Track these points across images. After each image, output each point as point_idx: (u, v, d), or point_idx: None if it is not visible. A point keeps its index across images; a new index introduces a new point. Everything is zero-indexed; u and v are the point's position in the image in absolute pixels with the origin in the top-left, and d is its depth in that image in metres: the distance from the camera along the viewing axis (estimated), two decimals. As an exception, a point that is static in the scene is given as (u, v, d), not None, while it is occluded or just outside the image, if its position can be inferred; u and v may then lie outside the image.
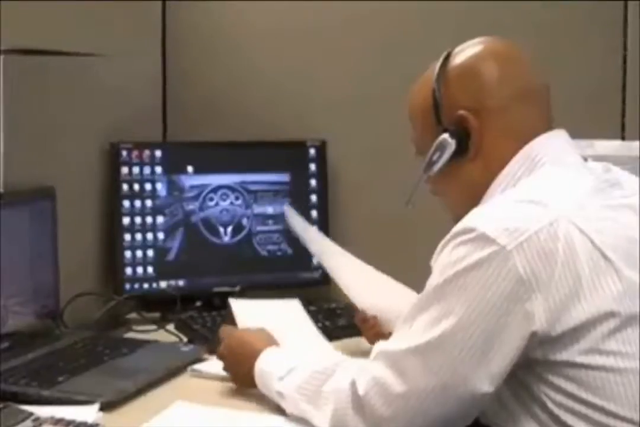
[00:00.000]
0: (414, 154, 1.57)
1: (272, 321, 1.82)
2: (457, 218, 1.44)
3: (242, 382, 1.69)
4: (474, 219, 1.38)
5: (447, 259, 1.36)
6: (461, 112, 1.47)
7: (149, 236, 2.28)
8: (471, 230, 1.35)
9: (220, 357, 1.74)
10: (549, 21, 2.18)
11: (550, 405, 1.34)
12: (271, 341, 1.71)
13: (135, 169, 2.27)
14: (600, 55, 2.16)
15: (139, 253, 2.27)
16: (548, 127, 1.49)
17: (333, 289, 2.26)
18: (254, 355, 1.65)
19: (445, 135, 1.48)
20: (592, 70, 2.16)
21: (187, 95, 2.45)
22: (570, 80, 2.08)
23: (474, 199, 1.47)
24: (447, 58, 1.51)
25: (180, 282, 2.31)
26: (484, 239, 1.33)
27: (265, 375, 1.61)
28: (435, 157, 1.50)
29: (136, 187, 2.27)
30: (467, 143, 1.48)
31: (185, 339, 2.05)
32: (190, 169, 2.31)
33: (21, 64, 1.94)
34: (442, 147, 1.49)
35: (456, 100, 1.48)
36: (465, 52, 1.51)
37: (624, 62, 2.14)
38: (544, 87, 1.51)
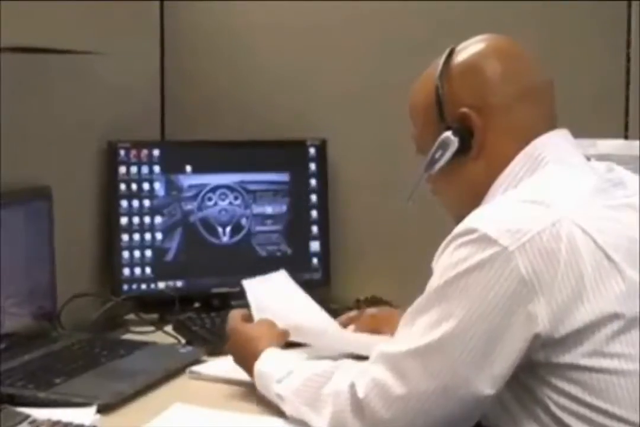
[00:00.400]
0: (415, 153, 1.56)
1: (280, 296, 1.86)
2: (458, 218, 1.44)
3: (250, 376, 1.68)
4: (476, 219, 1.37)
5: (448, 260, 1.35)
6: (464, 109, 1.46)
7: (147, 236, 2.27)
8: (473, 231, 1.33)
9: (229, 352, 1.74)
10: (551, 20, 2.17)
11: (553, 408, 1.33)
12: (275, 338, 1.70)
13: (133, 169, 2.26)
14: (603, 54, 2.15)
15: (137, 253, 2.26)
16: (551, 126, 1.48)
17: (334, 290, 2.29)
18: (255, 355, 1.64)
19: (448, 133, 1.47)
20: (595, 69, 2.15)
21: (186, 94, 2.44)
22: (573, 79, 2.07)
23: (476, 198, 1.46)
24: (450, 55, 1.50)
25: (179, 283, 2.30)
26: (485, 240, 1.32)
27: (264, 376, 1.61)
28: (437, 155, 1.48)
29: (134, 186, 2.26)
30: (470, 141, 1.47)
31: (183, 341, 2.03)
32: (188, 168, 2.30)
33: (17, 62, 1.92)
34: (444, 145, 1.47)
35: (459, 98, 1.47)
36: (469, 49, 1.50)
37: (627, 60, 2.13)
38: (547, 85, 1.50)
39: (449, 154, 1.47)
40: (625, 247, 1.35)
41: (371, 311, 1.97)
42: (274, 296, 1.90)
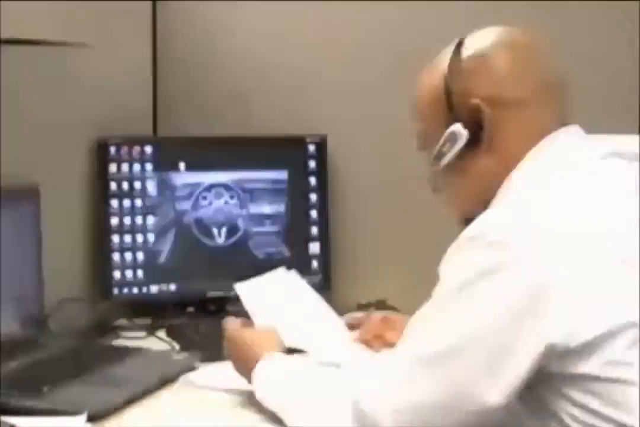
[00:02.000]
0: (417, 150, 1.53)
1: (280, 299, 1.87)
2: (463, 217, 1.43)
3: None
4: (485, 223, 1.33)
5: (456, 265, 1.32)
6: (475, 100, 1.41)
7: (139, 237, 2.25)
8: (482, 234, 1.30)
9: (227, 357, 1.72)
10: (563, 13, 2.15)
11: (568, 420, 1.29)
12: (274, 344, 1.68)
13: (124, 167, 2.24)
14: (617, 48, 2.13)
15: (128, 256, 2.24)
16: (564, 122, 1.44)
17: (334, 294, 2.27)
18: (255, 361, 1.62)
19: (458, 125, 1.43)
20: (608, 64, 2.13)
21: (179, 89, 2.43)
22: (586, 74, 2.05)
23: (483, 196, 1.43)
24: (459, 46, 1.46)
25: (172, 287, 2.28)
26: (496, 244, 1.28)
27: (264, 382, 1.58)
28: (445, 149, 1.44)
29: (125, 185, 2.24)
30: (480, 135, 1.42)
31: (177, 347, 2.03)
32: (182, 166, 2.27)
33: (3, 54, 1.90)
34: (453, 137, 1.43)
35: (469, 90, 1.42)
36: (480, 40, 1.46)
37: (642, 55, 2.15)
38: (562, 80, 1.46)
39: (457, 147, 1.43)
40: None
41: (380, 313, 1.97)
42: (272, 299, 1.89)
